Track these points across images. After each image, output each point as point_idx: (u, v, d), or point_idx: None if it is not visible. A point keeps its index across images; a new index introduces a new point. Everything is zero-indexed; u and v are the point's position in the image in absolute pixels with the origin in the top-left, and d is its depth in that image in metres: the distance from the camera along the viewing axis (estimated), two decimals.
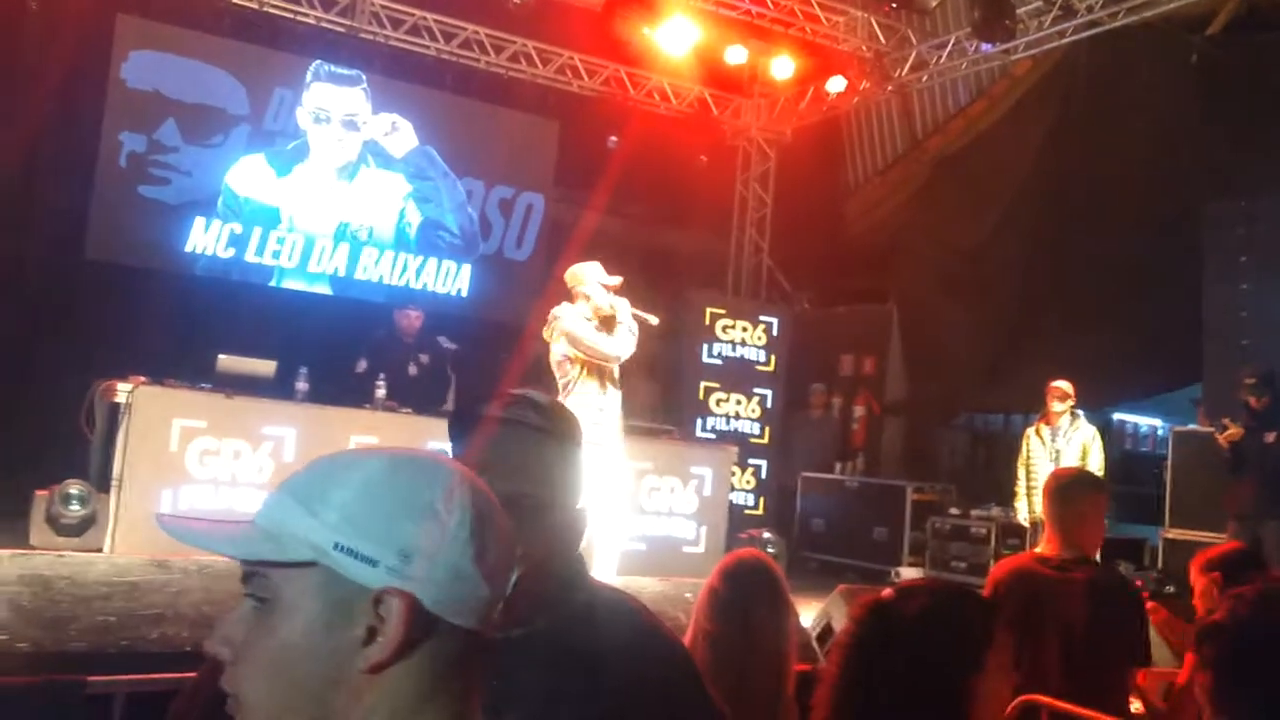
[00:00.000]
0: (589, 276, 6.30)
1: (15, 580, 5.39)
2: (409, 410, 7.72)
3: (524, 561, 1.47)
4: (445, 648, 0.93)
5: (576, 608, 1.59)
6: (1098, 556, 3.56)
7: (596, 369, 6.19)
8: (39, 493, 6.47)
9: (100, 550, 6.49)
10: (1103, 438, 8.51)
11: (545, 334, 6.30)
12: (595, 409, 6.11)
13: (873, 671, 1.83)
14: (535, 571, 1.53)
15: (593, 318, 6.21)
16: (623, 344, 6.17)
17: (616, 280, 6.31)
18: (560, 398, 5.94)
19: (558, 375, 6.20)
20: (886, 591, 1.93)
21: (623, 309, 6.24)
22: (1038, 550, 3.64)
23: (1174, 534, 8.75)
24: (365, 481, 0.94)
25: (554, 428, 1.64)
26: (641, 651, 1.62)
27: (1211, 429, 7.91)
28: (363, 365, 8.41)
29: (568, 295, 6.37)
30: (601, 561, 5.92)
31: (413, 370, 8.54)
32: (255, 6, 10.00)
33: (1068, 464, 7.95)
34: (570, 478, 1.66)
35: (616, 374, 6.30)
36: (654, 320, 6.42)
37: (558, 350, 6.19)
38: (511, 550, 1.01)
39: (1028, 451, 8.43)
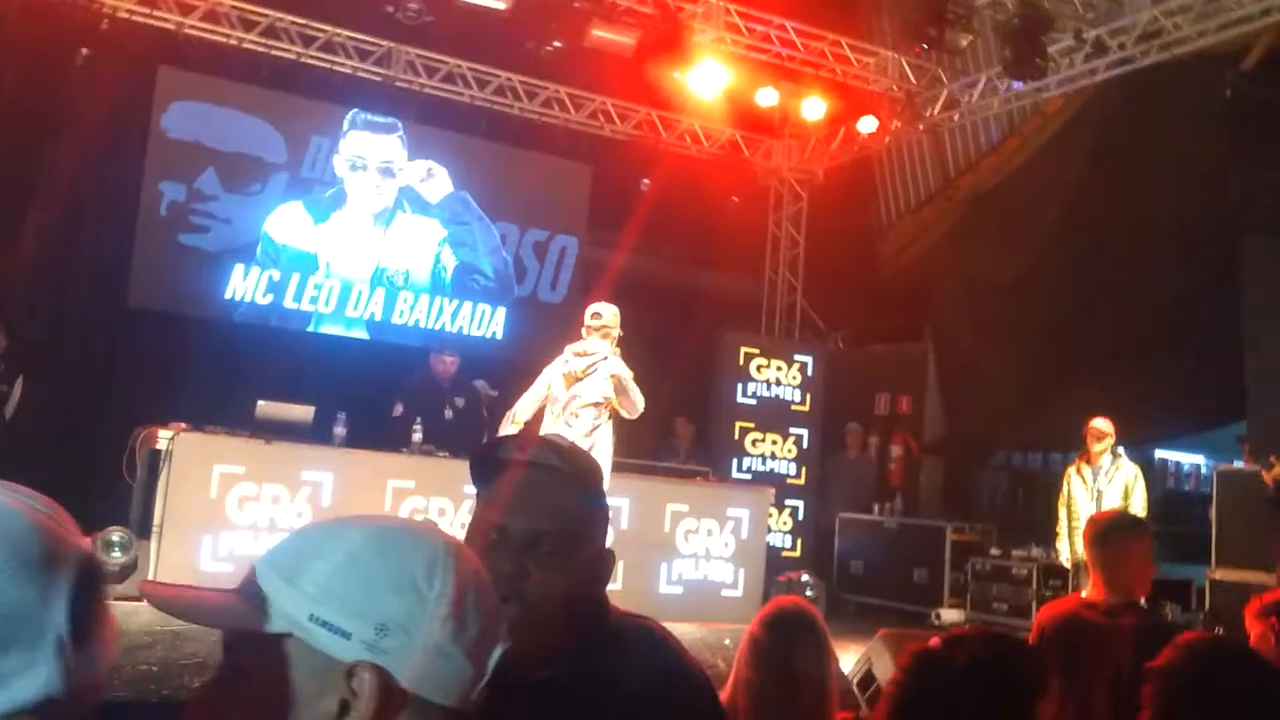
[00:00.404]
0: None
1: None
2: (446, 454, 7.76)
3: (543, 609, 1.47)
4: None
5: (596, 650, 1.58)
6: (1144, 599, 3.51)
7: (615, 417, 6.20)
8: None
9: (141, 598, 6.52)
10: (1145, 476, 8.39)
11: (583, 369, 6.25)
12: (609, 456, 6.12)
13: None
14: (558, 612, 1.53)
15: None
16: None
17: None
18: (582, 438, 5.92)
19: (591, 416, 6.17)
20: (934, 640, 1.91)
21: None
22: (1084, 595, 3.59)
23: (1220, 574, 8.59)
24: (346, 553, 0.94)
25: (575, 470, 1.65)
26: (664, 691, 1.61)
27: (1258, 467, 7.79)
28: (399, 409, 8.47)
29: (586, 330, 6.36)
30: None
31: (448, 414, 8.59)
32: (293, 57, 10.18)
33: (1110, 504, 7.85)
34: (593, 518, 1.65)
35: None
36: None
37: (598, 391, 6.16)
38: (497, 627, 0.98)
39: (1069, 491, 8.32)
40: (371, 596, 0.91)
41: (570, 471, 1.62)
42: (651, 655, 1.64)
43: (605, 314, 6.35)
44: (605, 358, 6.23)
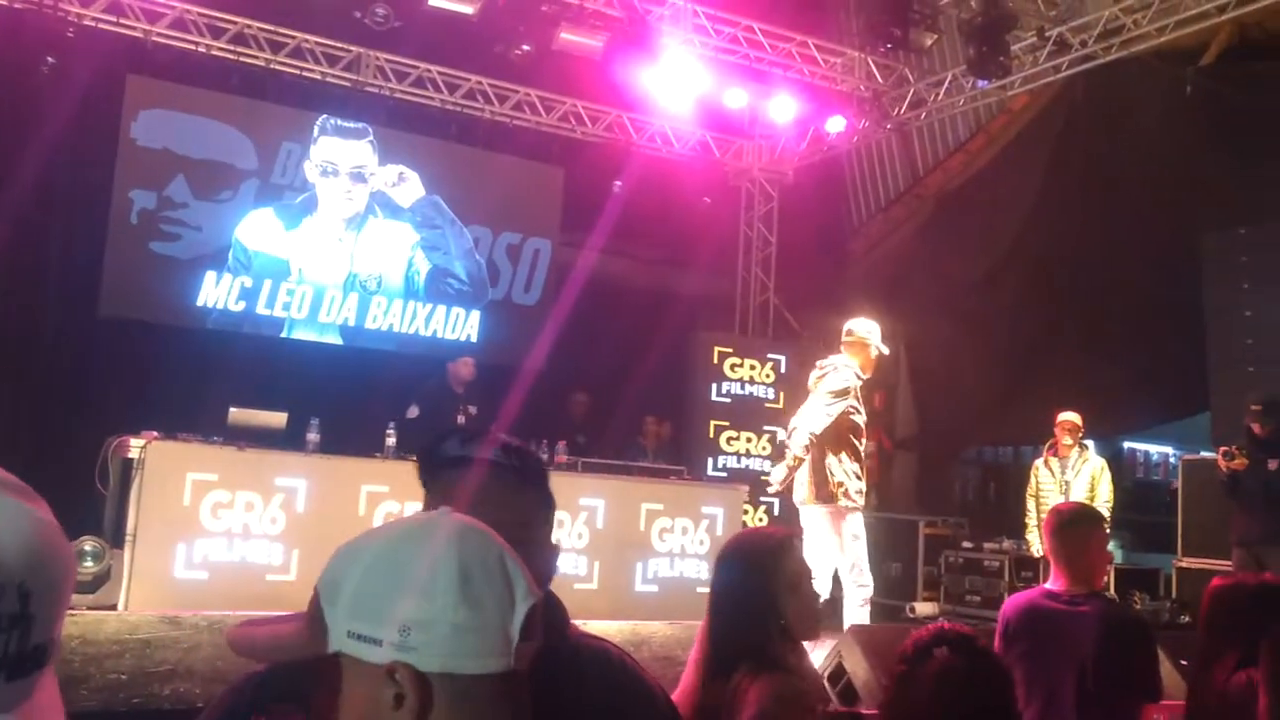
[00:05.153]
0: (877, 339, 6.47)
1: None
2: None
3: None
4: (469, 695, 1.02)
5: (550, 669, 1.58)
6: (1104, 588, 3.60)
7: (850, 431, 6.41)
8: None
9: (114, 606, 6.52)
10: (1113, 467, 8.52)
11: (812, 383, 6.45)
12: (844, 469, 6.32)
13: None
14: None
15: (863, 374, 6.48)
16: (818, 418, 6.33)
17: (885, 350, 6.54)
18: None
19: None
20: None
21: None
22: (1047, 585, 3.67)
23: (1187, 563, 8.73)
24: (363, 569, 1.05)
25: (528, 470, 1.65)
26: (621, 715, 1.63)
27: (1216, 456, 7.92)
28: (414, 411, 8.49)
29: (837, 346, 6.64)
30: (851, 613, 6.30)
31: (460, 420, 8.59)
32: (261, 64, 10.18)
33: (1077, 495, 7.98)
34: (544, 519, 1.65)
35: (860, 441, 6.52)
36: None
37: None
38: (514, 590, 1.05)
39: (1036, 483, 8.45)
40: (390, 603, 1.02)
41: (524, 471, 1.64)
42: (609, 678, 1.64)
43: (858, 329, 6.48)
44: (835, 369, 6.36)
